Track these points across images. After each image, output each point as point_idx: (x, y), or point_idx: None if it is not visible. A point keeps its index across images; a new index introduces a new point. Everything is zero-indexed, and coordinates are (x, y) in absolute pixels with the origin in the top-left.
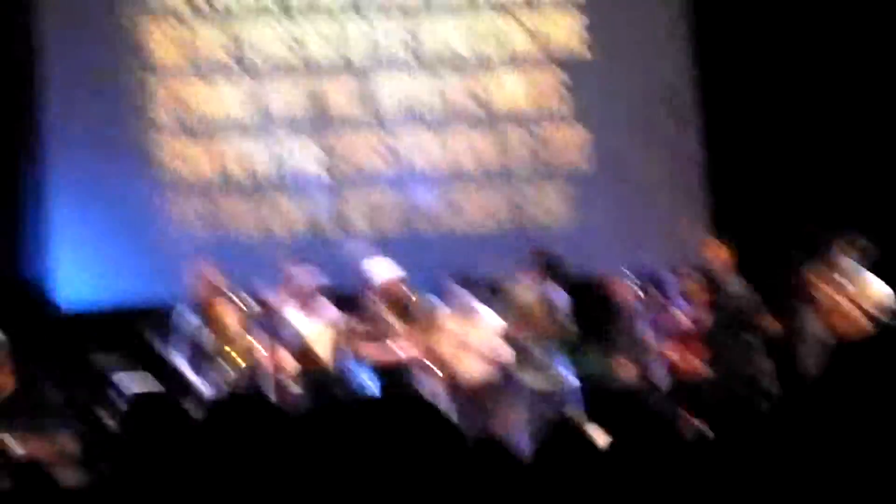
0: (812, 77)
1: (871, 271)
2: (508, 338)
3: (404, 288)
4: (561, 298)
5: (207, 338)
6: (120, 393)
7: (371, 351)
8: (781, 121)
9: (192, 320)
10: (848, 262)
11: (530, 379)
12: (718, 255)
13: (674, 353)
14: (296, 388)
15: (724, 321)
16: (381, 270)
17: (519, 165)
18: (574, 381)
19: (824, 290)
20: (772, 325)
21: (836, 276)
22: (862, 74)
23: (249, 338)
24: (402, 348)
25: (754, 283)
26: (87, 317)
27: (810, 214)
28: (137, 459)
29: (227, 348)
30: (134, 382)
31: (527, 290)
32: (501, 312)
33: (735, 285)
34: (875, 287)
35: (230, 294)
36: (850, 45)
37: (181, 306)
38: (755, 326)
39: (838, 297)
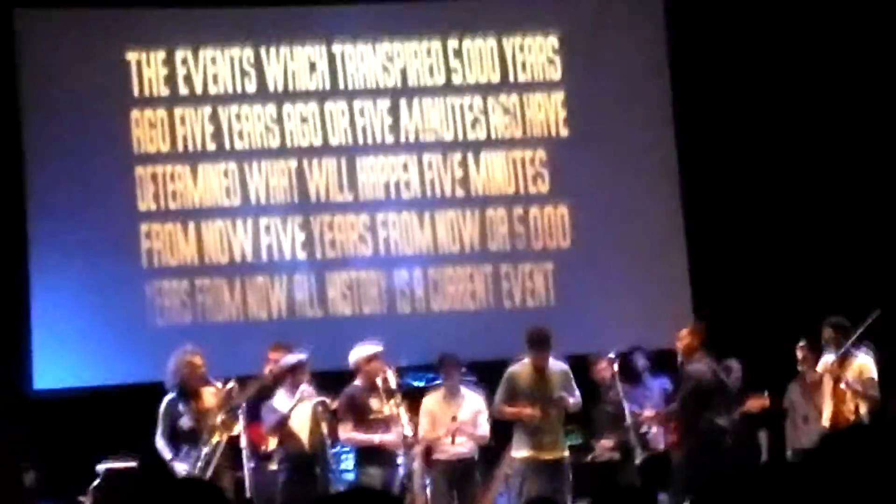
0: (795, 159)
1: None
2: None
3: (386, 370)
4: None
5: (188, 418)
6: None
7: (351, 433)
8: (763, 201)
9: (174, 401)
10: (834, 342)
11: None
12: (689, 337)
13: (651, 429)
14: (273, 466)
15: (693, 401)
16: (362, 350)
17: (500, 245)
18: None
19: (813, 370)
20: (755, 403)
21: (826, 355)
22: (840, 149)
23: (227, 418)
24: (382, 430)
25: (742, 361)
26: (67, 397)
27: (790, 296)
28: None
29: (206, 428)
30: (110, 459)
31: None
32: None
33: (698, 364)
34: (859, 365)
35: (210, 379)
36: (824, 123)
37: (168, 387)
38: (724, 406)
39: (826, 377)
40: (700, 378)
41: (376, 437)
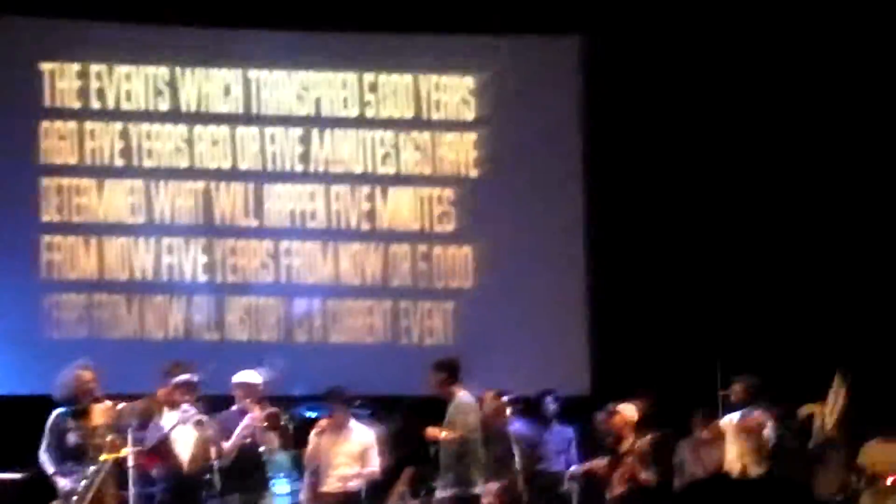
0: (703, 216)
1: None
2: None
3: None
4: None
5: (75, 434)
6: None
7: (227, 455)
8: (666, 257)
9: (63, 415)
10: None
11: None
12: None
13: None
14: (157, 487)
15: None
16: (245, 376)
17: (402, 281)
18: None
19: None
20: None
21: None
22: (742, 210)
23: (116, 437)
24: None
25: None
26: None
27: (688, 349)
28: None
29: (93, 446)
30: None
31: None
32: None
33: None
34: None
35: (100, 396)
36: (732, 182)
37: (57, 400)
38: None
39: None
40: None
41: (238, 430)
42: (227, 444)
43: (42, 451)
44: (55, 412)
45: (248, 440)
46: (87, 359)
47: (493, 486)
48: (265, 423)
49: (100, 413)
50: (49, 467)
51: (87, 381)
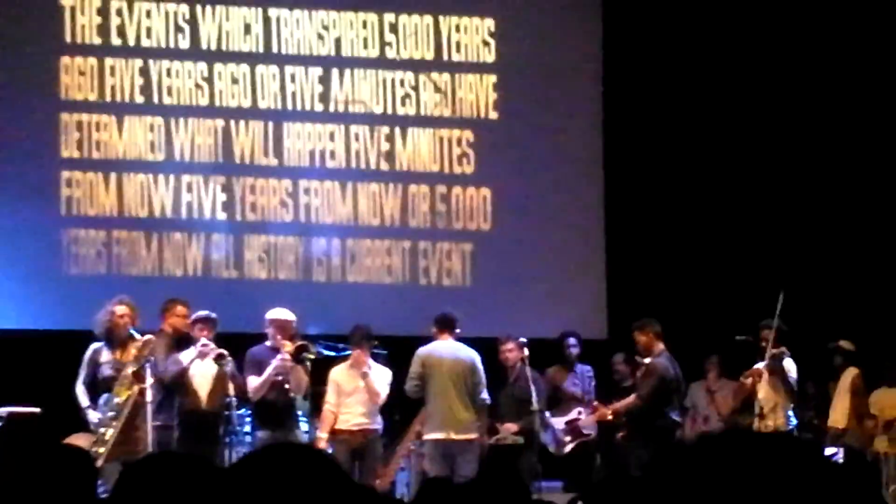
0: (721, 157)
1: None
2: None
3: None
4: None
5: (108, 367)
6: None
7: (258, 391)
8: (685, 198)
9: (99, 349)
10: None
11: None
12: (647, 335)
13: (581, 415)
14: (174, 421)
15: (657, 396)
16: (277, 313)
17: (420, 222)
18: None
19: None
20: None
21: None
22: (767, 150)
23: (137, 370)
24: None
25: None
26: None
27: (704, 294)
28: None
29: (119, 378)
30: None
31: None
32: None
33: (661, 360)
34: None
35: (133, 331)
36: (752, 119)
37: (96, 335)
38: (678, 401)
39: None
40: (664, 374)
41: (271, 367)
42: (258, 381)
43: (77, 383)
44: (91, 346)
45: (280, 377)
46: (126, 295)
47: (512, 426)
48: (294, 356)
49: (134, 347)
50: (83, 400)
51: (118, 315)
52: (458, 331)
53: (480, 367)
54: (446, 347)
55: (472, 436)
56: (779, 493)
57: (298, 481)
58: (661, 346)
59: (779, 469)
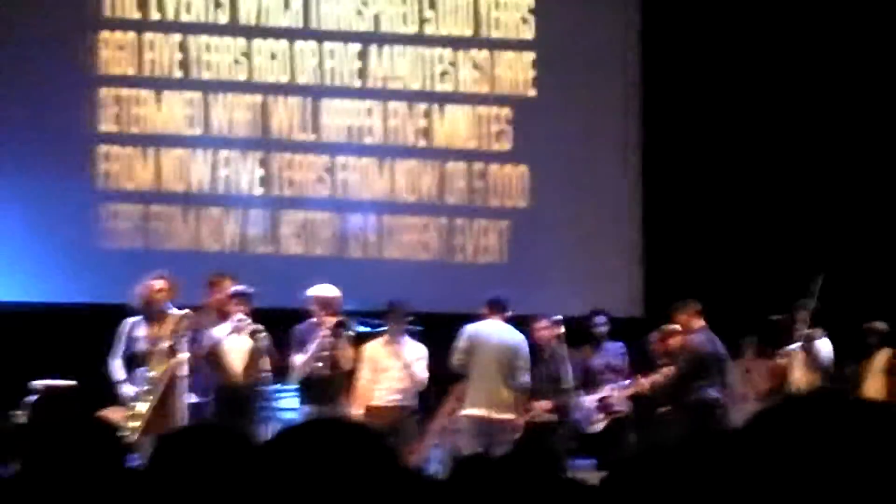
0: (759, 141)
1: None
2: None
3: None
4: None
5: (143, 342)
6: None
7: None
8: (723, 180)
9: (136, 324)
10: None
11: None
12: (687, 312)
13: (614, 392)
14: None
15: (690, 371)
16: (321, 289)
17: (457, 199)
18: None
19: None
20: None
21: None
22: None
23: (172, 345)
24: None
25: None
26: (16, 313)
27: (741, 276)
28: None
29: (156, 353)
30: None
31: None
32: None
33: (699, 336)
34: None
35: (169, 306)
36: (791, 108)
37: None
38: (719, 378)
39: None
40: (699, 349)
41: (314, 344)
42: (302, 357)
43: (112, 358)
44: (128, 320)
45: (326, 353)
46: (164, 270)
47: (546, 403)
48: (333, 331)
49: (171, 322)
50: (118, 374)
51: (157, 290)
52: (508, 313)
53: (526, 350)
54: (494, 327)
55: (511, 416)
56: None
57: (340, 456)
58: (700, 322)
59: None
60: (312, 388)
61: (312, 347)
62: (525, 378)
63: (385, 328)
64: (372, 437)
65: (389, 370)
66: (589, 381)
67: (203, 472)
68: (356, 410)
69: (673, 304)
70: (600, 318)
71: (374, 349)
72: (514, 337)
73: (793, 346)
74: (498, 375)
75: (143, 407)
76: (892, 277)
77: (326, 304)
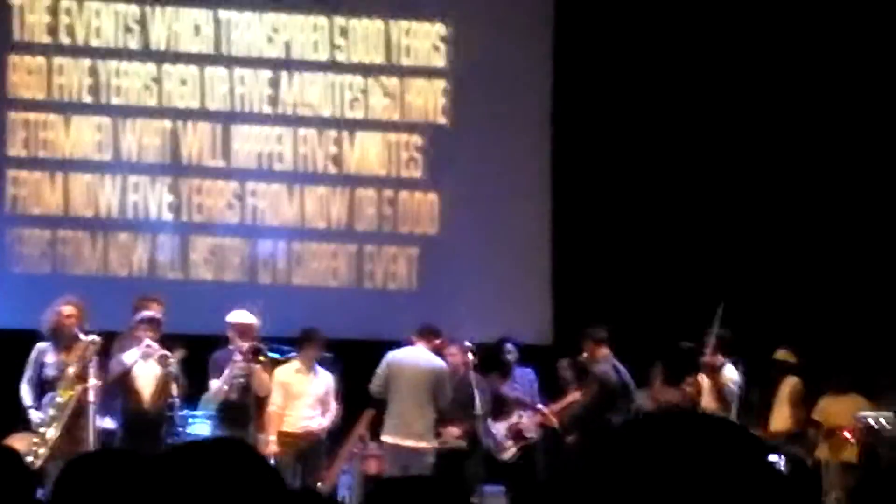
0: (669, 169)
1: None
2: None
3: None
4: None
5: (52, 367)
6: None
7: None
8: (631, 208)
9: (45, 349)
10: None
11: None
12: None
13: (523, 417)
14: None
15: (598, 401)
16: (239, 316)
17: (366, 226)
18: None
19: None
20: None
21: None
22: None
23: (79, 370)
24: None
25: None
26: None
27: (647, 302)
28: None
29: (65, 378)
30: None
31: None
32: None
33: (604, 366)
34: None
35: (78, 332)
36: (700, 132)
37: (44, 334)
38: (625, 407)
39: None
40: (604, 379)
41: (228, 370)
42: (218, 383)
43: (22, 383)
44: (38, 345)
45: (242, 380)
46: (73, 295)
47: (454, 430)
48: (247, 358)
49: (79, 348)
50: (27, 400)
51: (66, 315)
52: (437, 341)
53: (445, 378)
54: (414, 355)
55: (425, 444)
56: (718, 486)
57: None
58: (604, 351)
59: (718, 458)
60: (226, 414)
61: (227, 373)
62: (443, 405)
63: (294, 354)
64: (262, 462)
65: (302, 396)
66: (499, 407)
67: (109, 498)
68: (268, 436)
69: (582, 330)
70: (509, 346)
71: (287, 375)
72: (433, 363)
73: (700, 374)
74: (412, 403)
75: (51, 433)
76: (803, 303)
77: (244, 331)
